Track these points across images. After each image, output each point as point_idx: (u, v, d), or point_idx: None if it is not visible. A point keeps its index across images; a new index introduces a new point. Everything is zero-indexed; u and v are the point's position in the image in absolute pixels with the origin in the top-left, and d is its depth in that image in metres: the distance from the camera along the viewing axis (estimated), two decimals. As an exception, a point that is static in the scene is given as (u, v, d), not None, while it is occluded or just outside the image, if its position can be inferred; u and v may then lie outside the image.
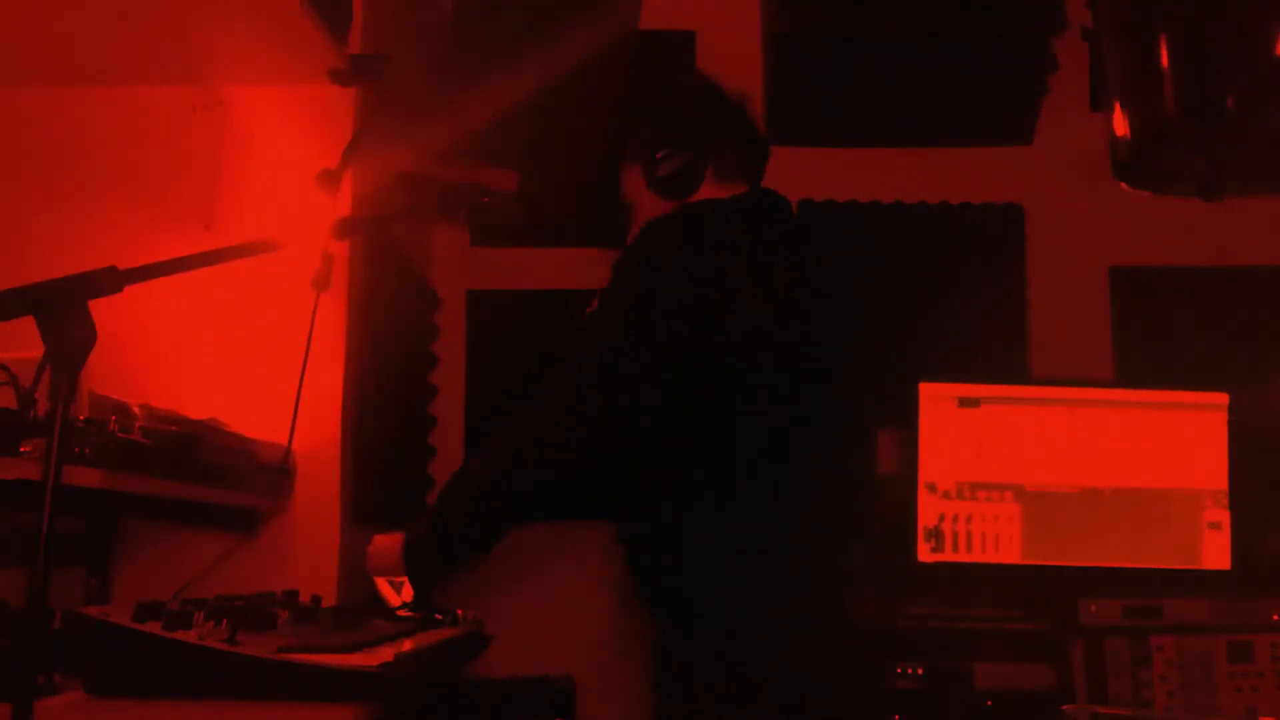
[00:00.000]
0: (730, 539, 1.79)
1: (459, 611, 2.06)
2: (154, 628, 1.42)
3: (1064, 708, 2.48)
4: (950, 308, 3.04)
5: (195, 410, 1.96)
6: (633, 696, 2.83)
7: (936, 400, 2.73)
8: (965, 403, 2.73)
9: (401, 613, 1.91)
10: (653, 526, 1.87)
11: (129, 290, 1.24)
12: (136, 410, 1.70)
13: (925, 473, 2.71)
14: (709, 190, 1.99)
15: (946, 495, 2.70)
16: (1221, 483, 2.73)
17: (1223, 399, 2.76)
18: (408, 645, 1.59)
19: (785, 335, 1.85)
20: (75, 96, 2.29)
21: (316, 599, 1.88)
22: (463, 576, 2.96)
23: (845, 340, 1.98)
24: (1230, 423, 2.75)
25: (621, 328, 1.83)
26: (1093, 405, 2.74)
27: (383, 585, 1.96)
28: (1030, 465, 2.72)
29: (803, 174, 3.12)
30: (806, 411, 1.85)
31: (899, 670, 2.50)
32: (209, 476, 1.86)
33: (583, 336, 1.87)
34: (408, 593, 1.93)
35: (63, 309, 1.17)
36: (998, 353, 3.05)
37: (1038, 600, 2.63)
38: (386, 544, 1.93)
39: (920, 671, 2.53)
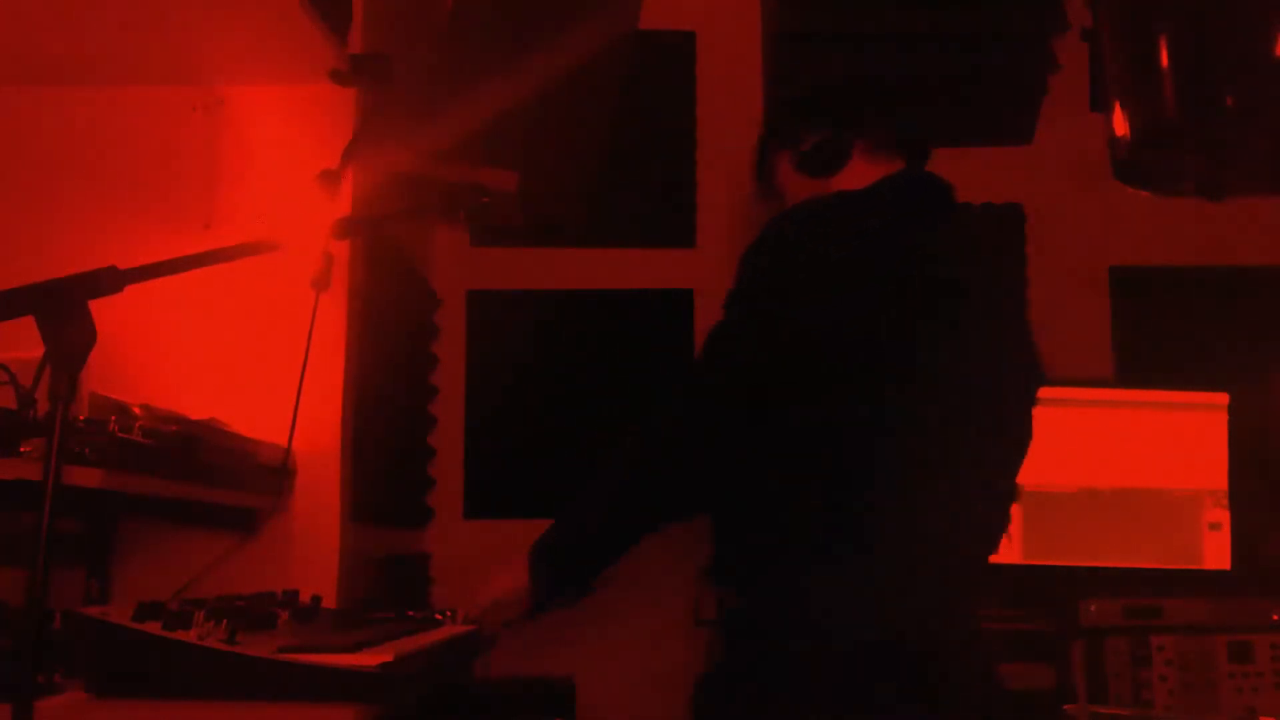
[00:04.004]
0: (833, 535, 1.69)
1: (459, 611, 2.06)
2: (154, 628, 1.42)
3: (1064, 708, 2.49)
4: (950, 308, 3.03)
5: (195, 410, 1.96)
6: (633, 696, 2.83)
7: (936, 400, 2.72)
8: (965, 403, 2.72)
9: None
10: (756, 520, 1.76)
11: (129, 290, 1.24)
12: (136, 410, 1.70)
13: (925, 473, 2.70)
14: (858, 168, 1.88)
15: (946, 495, 2.70)
16: (1221, 483, 2.73)
17: (1223, 399, 2.76)
18: (408, 645, 1.60)
19: (890, 331, 1.71)
20: (75, 96, 2.29)
21: (316, 599, 1.88)
22: (461, 578, 2.96)
23: (986, 340, 1.85)
24: (1230, 423, 2.75)
25: (740, 322, 1.74)
26: (1093, 405, 2.74)
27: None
28: (1030, 465, 2.71)
29: (803, 174, 3.13)
30: (915, 412, 1.72)
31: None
32: (209, 476, 1.86)
33: (710, 338, 1.79)
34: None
35: (63, 309, 1.17)
36: (998, 353, 3.05)
37: (1038, 600, 2.63)
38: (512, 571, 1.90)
39: (920, 671, 2.52)
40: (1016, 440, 1.92)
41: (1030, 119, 3.13)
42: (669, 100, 3.15)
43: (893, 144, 1.92)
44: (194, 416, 1.91)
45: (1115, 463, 2.73)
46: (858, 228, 1.78)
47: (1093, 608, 2.61)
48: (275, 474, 2.10)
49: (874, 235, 1.77)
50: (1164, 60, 2.29)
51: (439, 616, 2.03)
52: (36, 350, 1.20)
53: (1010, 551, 2.69)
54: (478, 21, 2.15)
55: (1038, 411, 1.95)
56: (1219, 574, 2.70)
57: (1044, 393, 2.00)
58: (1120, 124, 2.39)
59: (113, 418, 1.58)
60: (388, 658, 1.41)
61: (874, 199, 1.86)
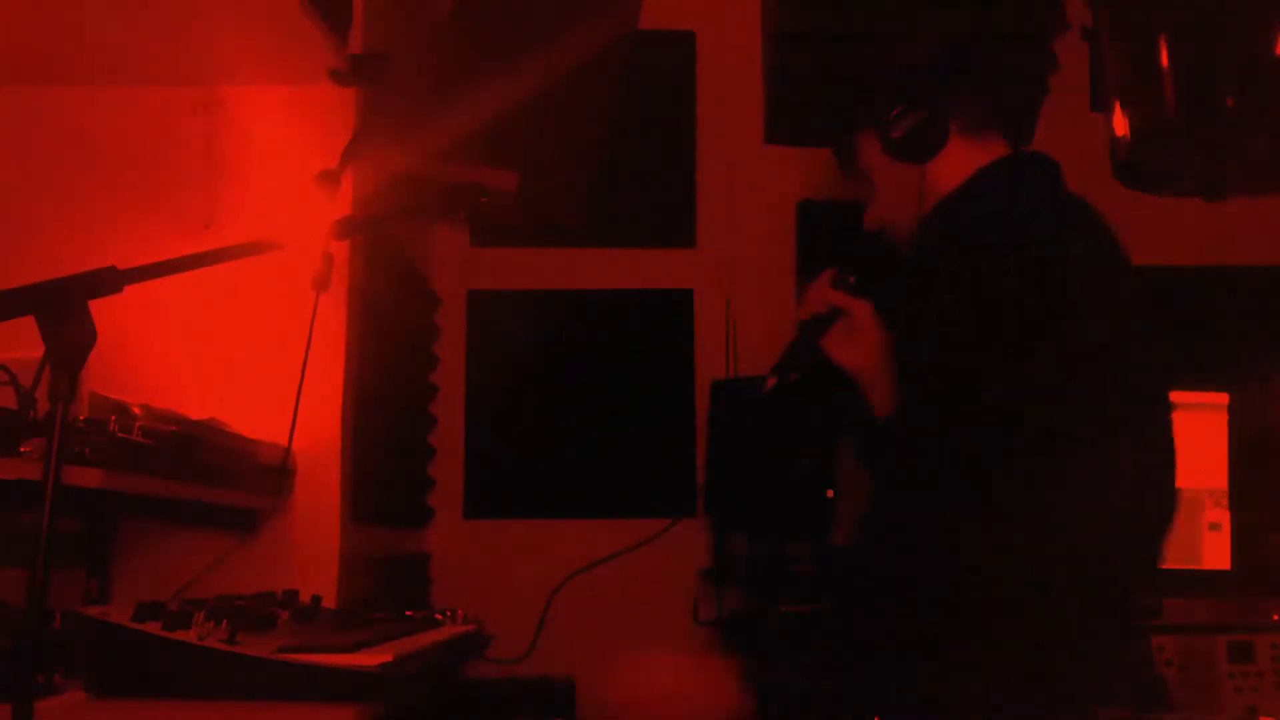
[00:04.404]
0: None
1: (459, 611, 2.06)
2: (154, 628, 1.42)
3: (1064, 708, 2.48)
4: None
5: (195, 410, 1.96)
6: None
7: (936, 400, 2.72)
8: (965, 403, 2.72)
9: None
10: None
11: (129, 290, 1.24)
12: (136, 410, 1.70)
13: (925, 473, 2.70)
14: (956, 151, 1.78)
15: (946, 495, 2.70)
16: (1221, 483, 2.73)
17: (1223, 399, 2.76)
18: (408, 645, 1.60)
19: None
20: (75, 96, 2.29)
21: (316, 599, 1.88)
22: (461, 578, 2.97)
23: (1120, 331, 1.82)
24: (1230, 423, 2.75)
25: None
26: (1093, 405, 2.74)
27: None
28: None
29: (803, 174, 3.13)
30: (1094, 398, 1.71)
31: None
32: (209, 476, 1.86)
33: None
34: None
35: (63, 309, 1.17)
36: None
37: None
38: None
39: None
40: (1162, 429, 1.89)
41: (1030, 119, 3.12)
42: (669, 100, 3.16)
43: (995, 124, 1.84)
44: (194, 416, 1.91)
45: (1115, 463, 2.72)
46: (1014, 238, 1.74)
47: (1093, 608, 2.60)
48: (275, 474, 2.10)
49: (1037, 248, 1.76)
50: (1164, 60, 2.28)
51: (439, 616, 2.03)
52: (36, 350, 1.20)
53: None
54: (478, 21, 2.15)
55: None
56: (1219, 574, 2.70)
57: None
58: (1120, 124, 2.38)
59: (113, 418, 1.58)
60: (387, 658, 1.41)
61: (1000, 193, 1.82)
